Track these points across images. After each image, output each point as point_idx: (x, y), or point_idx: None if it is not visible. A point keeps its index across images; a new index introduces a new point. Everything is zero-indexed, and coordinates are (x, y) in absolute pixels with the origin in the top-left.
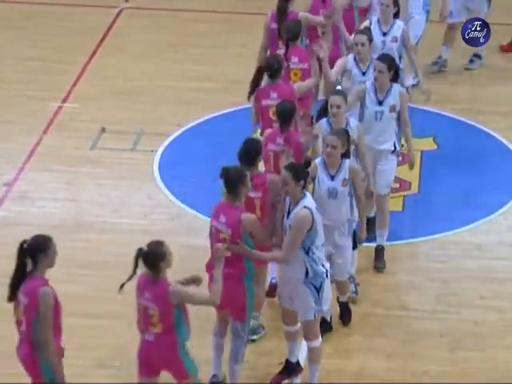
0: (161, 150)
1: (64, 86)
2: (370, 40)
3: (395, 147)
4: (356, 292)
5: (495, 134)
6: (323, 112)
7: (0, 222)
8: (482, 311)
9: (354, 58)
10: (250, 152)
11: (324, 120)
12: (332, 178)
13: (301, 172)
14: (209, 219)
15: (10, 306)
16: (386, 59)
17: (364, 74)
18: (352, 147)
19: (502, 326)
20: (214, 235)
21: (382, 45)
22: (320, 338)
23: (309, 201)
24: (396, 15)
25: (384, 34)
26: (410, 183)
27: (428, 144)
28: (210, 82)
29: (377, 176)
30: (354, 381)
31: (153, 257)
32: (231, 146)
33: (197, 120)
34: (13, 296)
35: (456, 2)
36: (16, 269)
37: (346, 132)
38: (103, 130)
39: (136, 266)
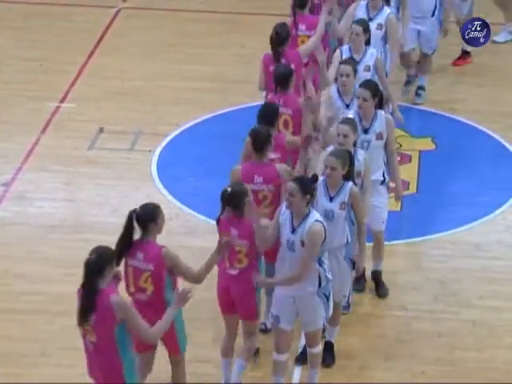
0: (159, 150)
1: (62, 86)
2: (355, 71)
3: (384, 177)
4: (348, 307)
5: (493, 134)
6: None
7: None
8: (481, 311)
9: (338, 90)
10: (270, 114)
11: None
12: (331, 199)
13: (308, 186)
14: (206, 219)
15: (11, 305)
16: (370, 86)
17: (348, 106)
18: (358, 180)
19: (500, 326)
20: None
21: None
22: (320, 343)
23: (317, 214)
24: (367, 42)
25: (356, 63)
26: (409, 183)
27: (426, 144)
28: (208, 82)
29: (370, 212)
30: (353, 381)
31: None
32: (229, 146)
33: (195, 120)
34: (119, 262)
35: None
36: (123, 236)
37: (348, 153)
38: (101, 130)
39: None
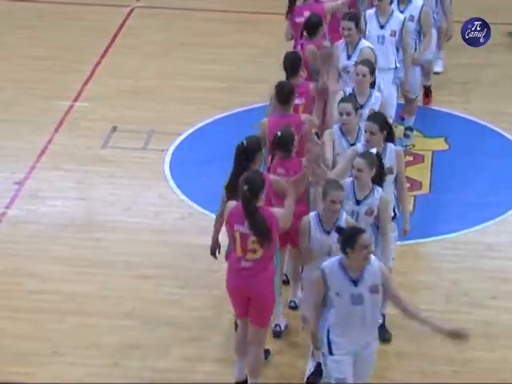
0: (172, 149)
1: (75, 85)
2: (356, 108)
3: (395, 213)
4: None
5: (507, 134)
6: None
7: (11, 221)
8: (493, 312)
9: (340, 129)
10: (294, 63)
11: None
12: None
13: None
14: None
15: (23, 303)
16: (378, 119)
17: (352, 145)
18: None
19: None
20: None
21: (358, 118)
22: None
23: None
24: (372, 85)
25: (360, 107)
26: (421, 183)
27: (439, 144)
28: (221, 82)
29: (379, 251)
30: None
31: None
32: None
33: (208, 119)
34: (231, 197)
35: None
36: (235, 170)
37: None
38: (114, 129)
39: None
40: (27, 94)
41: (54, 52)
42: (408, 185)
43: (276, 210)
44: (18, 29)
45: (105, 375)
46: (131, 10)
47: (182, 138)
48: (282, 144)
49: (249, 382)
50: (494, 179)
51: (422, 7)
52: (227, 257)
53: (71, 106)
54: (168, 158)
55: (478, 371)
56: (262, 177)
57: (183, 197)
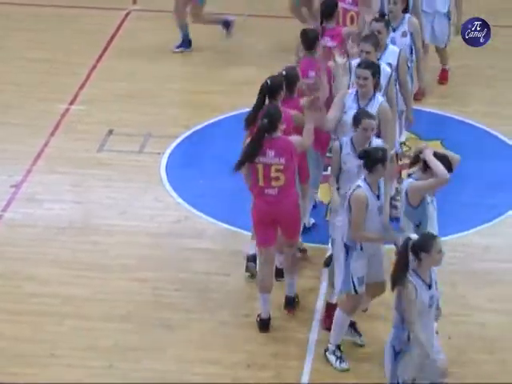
0: (168, 152)
1: (72, 88)
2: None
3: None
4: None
5: (503, 137)
6: None
7: (8, 224)
8: (491, 314)
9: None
10: (329, 7)
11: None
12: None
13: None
14: (215, 221)
15: (21, 306)
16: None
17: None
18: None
19: (510, 328)
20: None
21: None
22: None
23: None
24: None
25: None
26: None
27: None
28: (217, 85)
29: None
30: (366, 381)
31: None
32: (238, 148)
33: (204, 122)
34: (248, 127)
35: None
36: (257, 105)
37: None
38: (111, 132)
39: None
40: (24, 96)
41: (51, 55)
42: None
43: (292, 137)
44: (15, 31)
45: (102, 377)
46: (128, 13)
47: (178, 141)
48: (286, 83)
49: (286, 279)
50: (490, 182)
51: (400, 53)
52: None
53: (68, 109)
54: (164, 161)
55: (477, 373)
56: (279, 110)
57: (179, 200)
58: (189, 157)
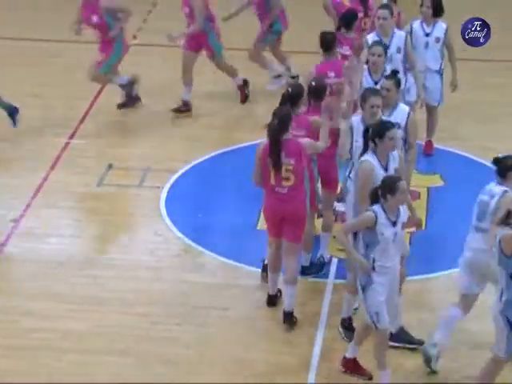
0: (167, 186)
1: (71, 122)
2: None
3: None
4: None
5: None
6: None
7: (7, 258)
8: None
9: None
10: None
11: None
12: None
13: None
14: (215, 255)
15: (20, 342)
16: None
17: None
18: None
19: None
20: None
21: None
22: None
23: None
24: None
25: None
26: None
27: (435, 181)
28: (217, 119)
29: None
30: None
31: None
32: (238, 182)
33: (204, 156)
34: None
35: None
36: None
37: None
38: (110, 166)
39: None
40: (23, 131)
41: (51, 89)
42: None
43: (303, 140)
44: (14, 66)
45: None
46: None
47: (177, 175)
48: (315, 93)
49: (286, 288)
50: None
51: (409, 114)
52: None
53: (67, 144)
54: (164, 195)
55: None
56: (289, 111)
57: (179, 234)
58: (188, 191)
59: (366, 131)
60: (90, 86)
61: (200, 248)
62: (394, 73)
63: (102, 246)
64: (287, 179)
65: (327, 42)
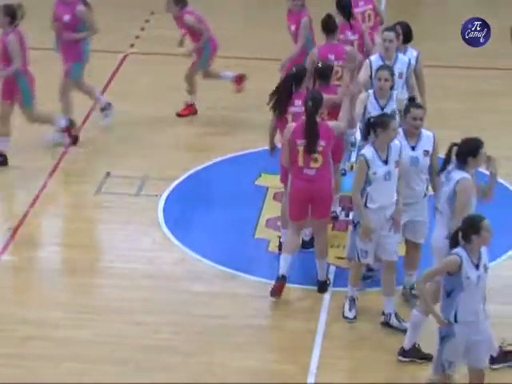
0: (165, 194)
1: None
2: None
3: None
4: None
5: (499, 179)
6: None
7: (5, 267)
8: None
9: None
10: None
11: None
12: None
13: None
14: (212, 264)
15: (17, 350)
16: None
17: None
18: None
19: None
20: None
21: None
22: None
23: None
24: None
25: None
26: None
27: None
28: (215, 127)
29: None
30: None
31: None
32: (236, 190)
33: (201, 164)
34: (278, 114)
35: None
36: (283, 91)
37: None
38: (108, 174)
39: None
40: (21, 138)
41: (48, 98)
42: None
43: (330, 122)
44: None
45: None
46: (125, 56)
47: (175, 183)
48: (322, 74)
49: (317, 261)
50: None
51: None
52: (283, 180)
53: (65, 152)
54: (162, 204)
55: None
56: (321, 95)
57: (177, 242)
58: (186, 199)
59: (367, 122)
60: (87, 96)
61: (198, 256)
62: (413, 99)
63: (100, 254)
64: (316, 160)
65: (329, 26)
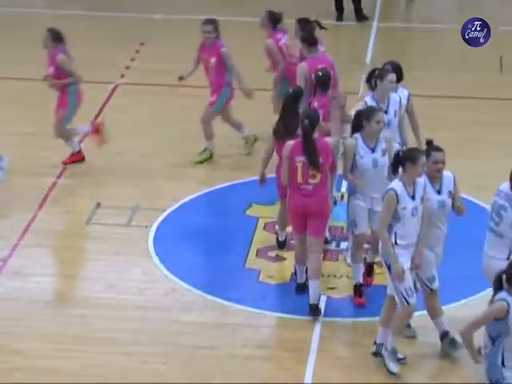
0: (156, 225)
1: (59, 161)
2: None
3: None
4: None
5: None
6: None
7: None
8: None
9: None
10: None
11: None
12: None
13: None
14: (203, 294)
15: (6, 381)
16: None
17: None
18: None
19: None
20: None
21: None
22: None
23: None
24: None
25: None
26: None
27: None
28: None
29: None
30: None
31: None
32: (227, 221)
33: (191, 195)
34: (282, 134)
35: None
36: (286, 112)
37: None
38: (98, 205)
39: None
40: (11, 170)
41: (39, 128)
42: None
43: (328, 138)
44: (7, 103)
45: None
46: (116, 87)
47: (165, 213)
48: (324, 82)
49: (310, 282)
50: (477, 253)
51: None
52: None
53: (55, 183)
54: (152, 234)
55: None
56: (317, 113)
57: (167, 272)
58: (176, 230)
59: (396, 156)
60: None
61: (188, 286)
62: (431, 142)
63: (90, 285)
64: (314, 176)
65: (311, 39)
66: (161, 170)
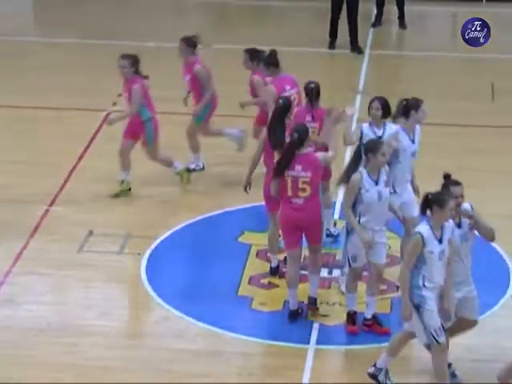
0: (148, 252)
1: (51, 189)
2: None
3: None
4: None
5: None
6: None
7: None
8: None
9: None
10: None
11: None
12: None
13: None
14: (195, 321)
15: None
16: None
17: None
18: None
19: None
20: None
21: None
22: None
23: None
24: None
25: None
26: (397, 286)
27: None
28: (198, 185)
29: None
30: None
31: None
32: (219, 248)
33: (184, 223)
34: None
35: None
36: (277, 124)
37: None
38: (90, 233)
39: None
40: (2, 198)
41: (30, 156)
42: (384, 287)
43: (318, 154)
44: None
45: None
46: (108, 114)
47: (158, 241)
48: (316, 93)
49: (311, 277)
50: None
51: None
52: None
53: (47, 211)
54: (144, 262)
55: None
56: (307, 127)
57: (159, 300)
58: (168, 257)
59: (425, 198)
60: (69, 154)
61: (180, 314)
62: (449, 176)
63: (83, 313)
64: (303, 190)
65: (275, 60)
66: (153, 198)
